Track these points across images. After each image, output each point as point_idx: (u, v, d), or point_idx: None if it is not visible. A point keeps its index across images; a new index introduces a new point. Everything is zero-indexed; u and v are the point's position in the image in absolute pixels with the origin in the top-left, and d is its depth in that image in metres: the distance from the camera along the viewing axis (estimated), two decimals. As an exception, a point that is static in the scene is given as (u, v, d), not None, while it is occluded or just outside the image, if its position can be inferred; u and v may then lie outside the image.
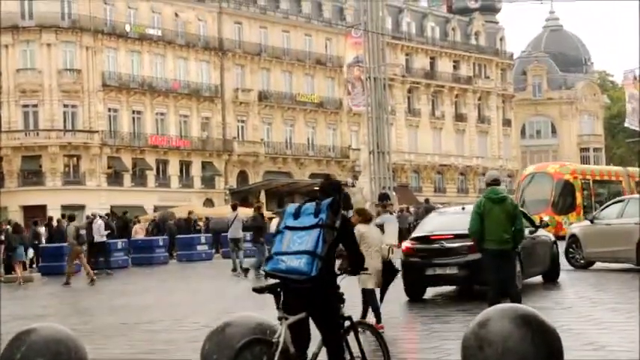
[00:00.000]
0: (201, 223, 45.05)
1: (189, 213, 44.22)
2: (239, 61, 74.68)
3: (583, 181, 41.49)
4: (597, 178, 43.11)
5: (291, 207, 6.96)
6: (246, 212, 53.05)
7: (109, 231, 32.94)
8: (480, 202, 12.25)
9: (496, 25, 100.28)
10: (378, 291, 12.41)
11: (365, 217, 12.87)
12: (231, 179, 72.80)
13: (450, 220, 16.80)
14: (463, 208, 16.97)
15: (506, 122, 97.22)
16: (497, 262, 12.01)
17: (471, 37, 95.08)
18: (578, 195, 40.75)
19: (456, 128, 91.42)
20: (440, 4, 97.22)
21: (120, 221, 39.21)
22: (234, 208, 29.80)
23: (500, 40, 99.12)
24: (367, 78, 50.20)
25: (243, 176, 74.17)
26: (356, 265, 7.01)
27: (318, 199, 6.91)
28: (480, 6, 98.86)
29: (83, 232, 28.55)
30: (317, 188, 7.29)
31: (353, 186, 54.17)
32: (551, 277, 18.75)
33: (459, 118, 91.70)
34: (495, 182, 12.44)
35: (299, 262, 6.57)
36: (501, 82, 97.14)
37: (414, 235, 17.28)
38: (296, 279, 6.58)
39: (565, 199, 40.70)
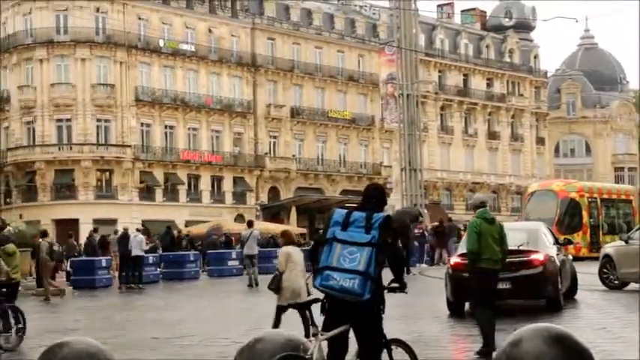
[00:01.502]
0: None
1: (249, 223, 43.87)
2: (271, 77, 74.90)
3: (590, 200, 40.64)
4: (605, 196, 42.10)
5: (337, 214, 6.84)
6: (270, 228, 53.22)
7: (150, 245, 33.20)
8: (476, 222, 12.49)
9: (530, 42, 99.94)
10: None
11: (290, 240, 13.98)
12: (262, 195, 72.91)
13: None
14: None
15: (540, 140, 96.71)
16: (491, 281, 12.24)
17: (504, 55, 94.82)
18: (585, 214, 39.95)
19: (489, 146, 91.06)
20: (474, 22, 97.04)
21: (167, 237, 39.34)
22: (249, 224, 30.29)
23: (535, 57, 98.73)
24: (400, 95, 50.24)
25: (274, 192, 74.26)
26: (397, 285, 7.03)
27: (365, 208, 6.88)
28: (514, 23, 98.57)
29: (57, 247, 28.67)
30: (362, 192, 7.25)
31: (384, 203, 54.15)
32: (570, 295, 18.69)
33: (492, 135, 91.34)
34: (483, 205, 12.77)
35: (352, 283, 6.55)
36: (535, 100, 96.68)
37: (460, 251, 17.41)
38: (348, 299, 6.59)
39: (570, 218, 39.93)
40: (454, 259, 17.37)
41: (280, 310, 12.94)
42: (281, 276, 13.12)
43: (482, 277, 12.22)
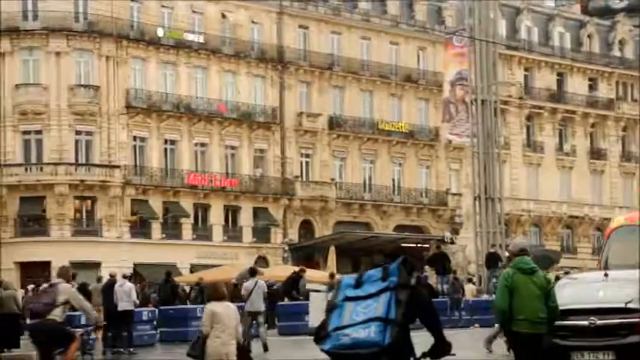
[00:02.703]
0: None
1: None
2: (304, 77, 75.21)
3: None
4: None
5: (347, 278, 7.14)
6: (311, 275, 53.11)
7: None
8: (508, 273, 12.87)
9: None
10: None
11: (217, 295, 14.59)
12: (291, 231, 72.98)
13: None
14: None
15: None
16: (529, 349, 12.55)
17: (613, 47, 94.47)
18: None
19: (592, 168, 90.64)
20: (572, 3, 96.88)
21: (167, 288, 39.34)
22: (252, 273, 29.76)
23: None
24: (473, 100, 50.27)
25: (307, 227, 74.33)
26: (440, 347, 7.12)
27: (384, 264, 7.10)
28: (626, 5, 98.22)
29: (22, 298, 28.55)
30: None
31: (452, 242, 54.05)
32: None
33: (596, 154, 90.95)
34: (523, 252, 13.13)
35: (367, 332, 6.72)
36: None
37: None
38: (366, 353, 6.71)
39: None
40: None
41: None
42: (205, 340, 13.98)
43: (518, 343, 12.54)
